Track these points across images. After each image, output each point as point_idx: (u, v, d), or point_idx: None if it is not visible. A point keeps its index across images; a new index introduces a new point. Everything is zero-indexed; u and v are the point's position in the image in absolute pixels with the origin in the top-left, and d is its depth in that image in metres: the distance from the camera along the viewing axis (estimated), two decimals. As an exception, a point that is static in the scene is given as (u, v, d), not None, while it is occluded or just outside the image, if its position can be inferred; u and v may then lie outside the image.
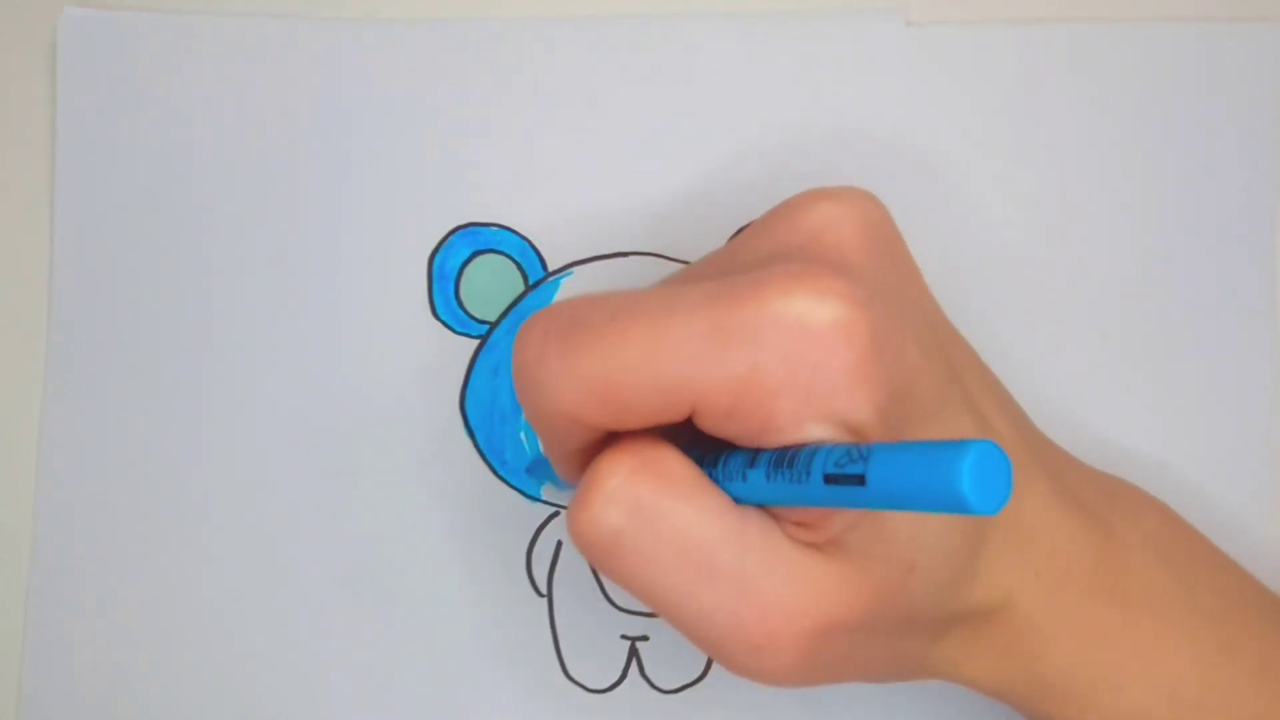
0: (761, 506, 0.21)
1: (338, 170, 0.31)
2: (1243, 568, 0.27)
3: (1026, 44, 0.31)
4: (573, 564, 0.31)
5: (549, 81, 0.31)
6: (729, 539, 0.20)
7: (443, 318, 0.31)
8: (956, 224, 0.31)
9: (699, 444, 0.21)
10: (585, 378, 0.20)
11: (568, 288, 0.31)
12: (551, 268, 0.31)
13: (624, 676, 0.31)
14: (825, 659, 0.21)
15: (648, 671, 0.31)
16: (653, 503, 0.20)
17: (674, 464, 0.20)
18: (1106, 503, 0.25)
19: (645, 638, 0.31)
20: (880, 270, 0.22)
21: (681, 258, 0.31)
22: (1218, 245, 0.31)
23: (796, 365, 0.19)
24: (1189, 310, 0.31)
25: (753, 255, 0.22)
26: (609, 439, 0.21)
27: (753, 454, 0.20)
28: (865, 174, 0.31)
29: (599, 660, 0.31)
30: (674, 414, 0.20)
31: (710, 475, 0.21)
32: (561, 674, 0.31)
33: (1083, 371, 0.31)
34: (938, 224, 0.31)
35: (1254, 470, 0.30)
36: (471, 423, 0.31)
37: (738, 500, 0.20)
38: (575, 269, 0.31)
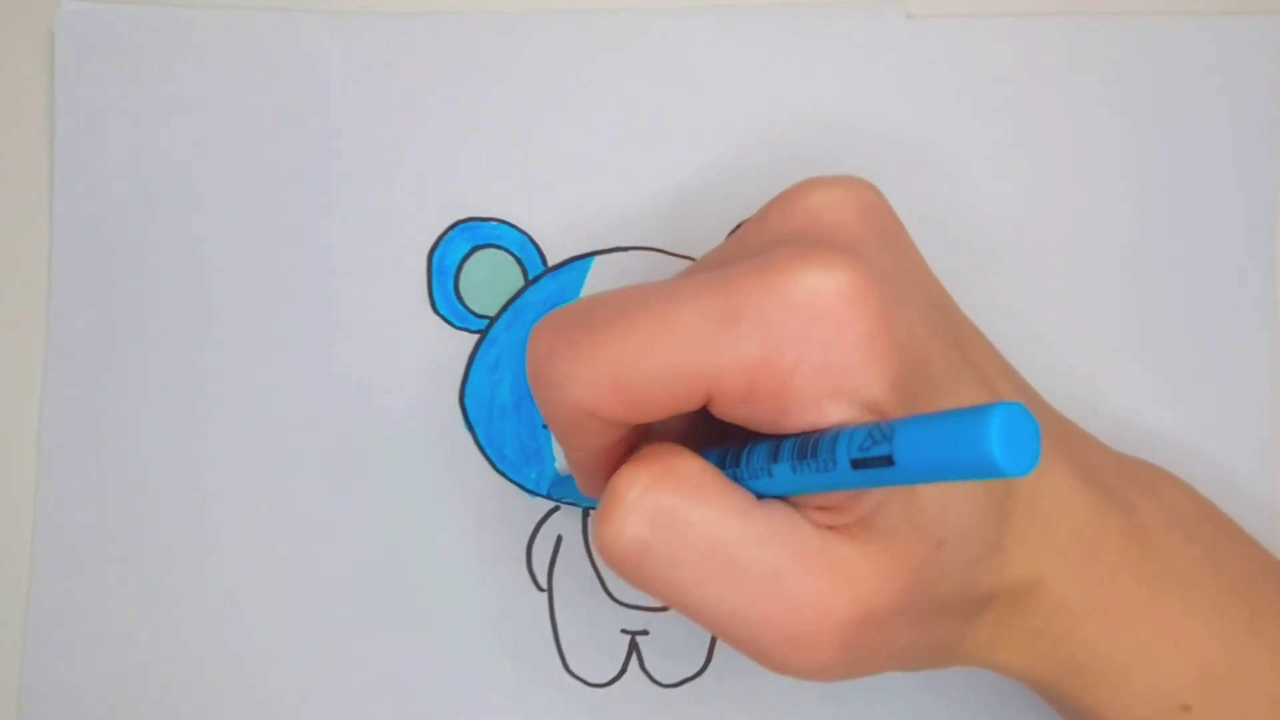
0: (785, 498, 0.21)
1: (337, 165, 0.31)
2: (1261, 545, 0.27)
3: (1026, 37, 0.31)
4: (573, 558, 0.31)
5: (548, 75, 0.31)
6: (753, 537, 0.20)
7: (442, 313, 0.31)
8: (956, 217, 0.31)
9: (721, 439, 0.21)
10: (597, 372, 0.20)
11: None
12: (551, 263, 0.31)
13: (624, 670, 0.31)
14: (863, 649, 0.21)
15: (648, 666, 0.31)
16: (674, 509, 0.20)
17: (692, 468, 0.20)
18: (1127, 481, 0.25)
19: (645, 632, 0.31)
20: (881, 250, 0.22)
21: (681, 252, 0.31)
22: (1219, 238, 0.31)
23: (809, 342, 0.19)
24: (1189, 303, 0.31)
25: (754, 244, 0.22)
26: (632, 441, 0.21)
27: (775, 446, 0.20)
28: (865, 167, 0.31)
29: (599, 654, 0.31)
30: (690, 401, 0.20)
31: (733, 475, 0.21)
32: (562, 668, 0.31)
33: (1081, 365, 0.31)
34: (937, 217, 0.31)
35: (1254, 462, 0.30)
36: (471, 418, 0.31)
37: (763, 495, 0.20)
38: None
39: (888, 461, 0.17)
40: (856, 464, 0.17)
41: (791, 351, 0.19)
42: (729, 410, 0.20)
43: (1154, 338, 0.31)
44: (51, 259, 0.32)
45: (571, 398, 0.20)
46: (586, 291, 0.31)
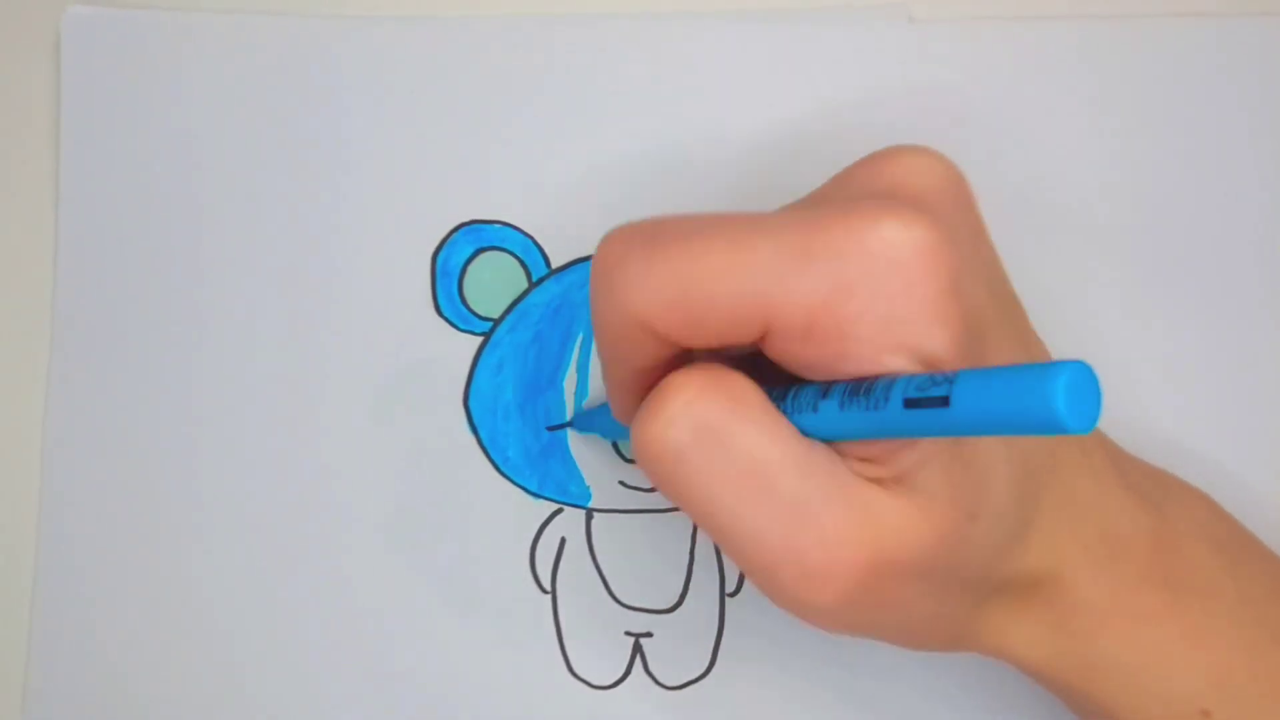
0: (828, 442, 0.21)
1: (341, 167, 0.32)
2: None
3: (1030, 41, 0.31)
4: (577, 560, 0.31)
5: (552, 79, 0.31)
6: (793, 464, 0.20)
7: (446, 315, 0.31)
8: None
9: (766, 383, 0.21)
10: (665, 282, 0.20)
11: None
12: (554, 265, 0.31)
13: (628, 673, 0.31)
14: (873, 600, 0.21)
15: (652, 668, 0.31)
16: (720, 422, 0.20)
17: (744, 387, 0.20)
18: (1158, 491, 0.25)
19: (649, 634, 0.31)
20: (958, 219, 0.22)
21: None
22: (1229, 241, 0.31)
23: (878, 291, 0.19)
24: (1200, 305, 0.31)
25: (838, 196, 0.22)
26: (672, 368, 0.22)
27: (825, 386, 0.20)
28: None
29: (603, 657, 0.31)
30: (748, 330, 0.20)
31: (779, 409, 0.21)
32: (565, 670, 0.31)
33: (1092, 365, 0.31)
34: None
35: (1262, 462, 0.30)
36: (475, 420, 0.31)
37: (806, 434, 0.20)
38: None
39: (943, 403, 0.17)
40: (910, 403, 0.17)
41: (859, 297, 0.19)
42: (785, 348, 0.20)
43: (1163, 342, 0.31)
44: (57, 262, 0.32)
45: (632, 305, 0.20)
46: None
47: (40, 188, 0.32)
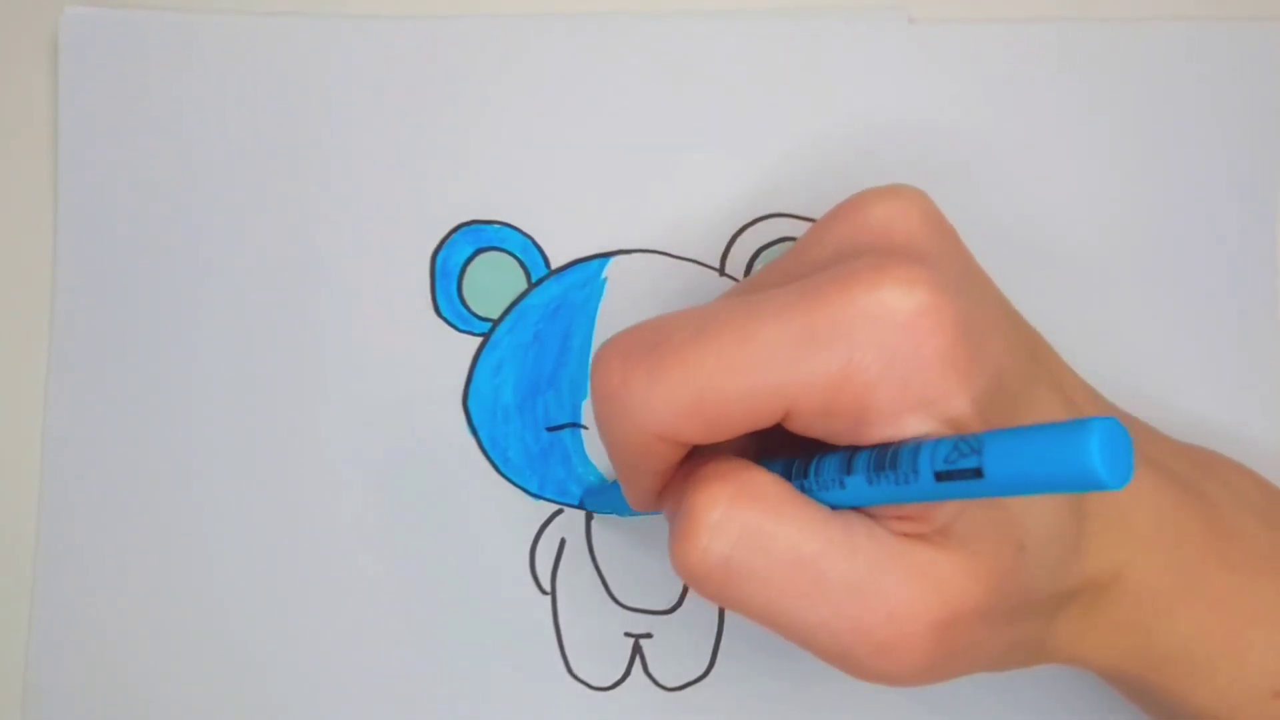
0: (859, 509, 0.21)
1: (340, 168, 0.31)
2: None
3: (1028, 42, 0.31)
4: (576, 561, 0.31)
5: (552, 78, 0.31)
6: (837, 549, 0.20)
7: (445, 315, 0.31)
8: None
9: (779, 449, 0.21)
10: (677, 396, 0.20)
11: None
12: (554, 265, 0.31)
13: (628, 674, 0.31)
14: (951, 652, 0.21)
15: (651, 669, 0.31)
16: (756, 527, 0.20)
17: (769, 486, 0.20)
18: (1198, 472, 0.25)
19: (649, 635, 0.31)
20: (949, 260, 0.22)
21: (684, 254, 0.31)
22: (1218, 243, 0.31)
23: (891, 356, 0.19)
24: (1187, 307, 0.31)
25: (823, 255, 0.22)
26: (686, 458, 0.21)
27: (847, 459, 0.20)
28: (867, 171, 0.31)
29: (603, 658, 0.31)
30: (768, 419, 0.20)
31: (801, 487, 0.21)
32: (565, 671, 0.31)
33: (1076, 366, 0.31)
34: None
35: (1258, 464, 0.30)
36: (474, 421, 0.31)
37: (834, 508, 0.20)
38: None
39: (976, 474, 0.17)
40: (941, 476, 0.17)
41: (874, 366, 0.19)
42: (806, 425, 0.20)
43: (1148, 341, 0.31)
44: (56, 263, 0.32)
45: (648, 424, 0.20)
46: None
47: (39, 188, 0.32)
